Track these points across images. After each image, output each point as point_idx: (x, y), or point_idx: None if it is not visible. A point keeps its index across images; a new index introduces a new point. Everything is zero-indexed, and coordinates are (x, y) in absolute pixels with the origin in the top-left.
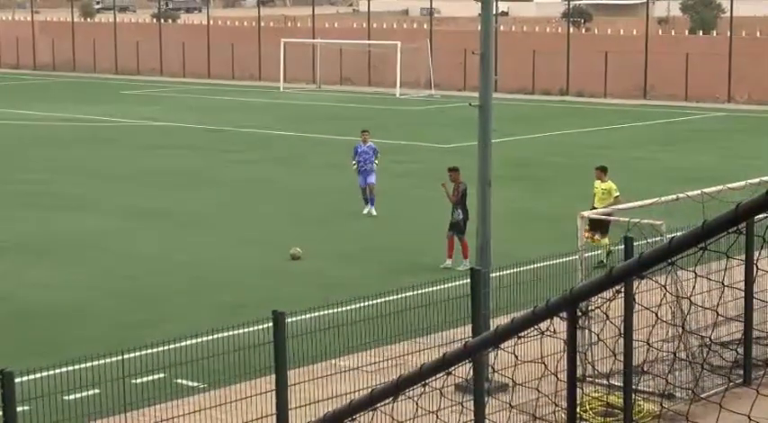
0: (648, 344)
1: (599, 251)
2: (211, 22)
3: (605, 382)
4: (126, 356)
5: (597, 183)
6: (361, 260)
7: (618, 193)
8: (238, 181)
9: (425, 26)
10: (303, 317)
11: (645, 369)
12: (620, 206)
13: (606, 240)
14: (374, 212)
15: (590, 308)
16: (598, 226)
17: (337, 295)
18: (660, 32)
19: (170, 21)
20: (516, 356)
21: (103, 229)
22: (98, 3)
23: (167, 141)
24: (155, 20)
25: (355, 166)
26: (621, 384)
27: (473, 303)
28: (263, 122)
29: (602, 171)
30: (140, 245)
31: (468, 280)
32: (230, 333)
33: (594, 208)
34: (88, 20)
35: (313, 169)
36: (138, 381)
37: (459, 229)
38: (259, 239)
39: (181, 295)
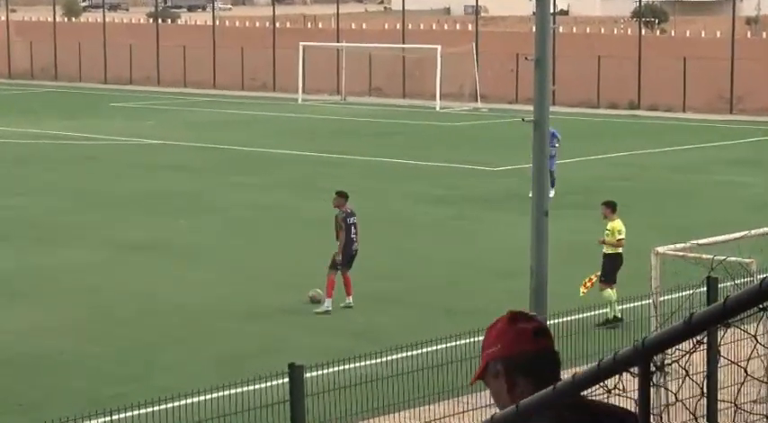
0: (736, 405)
1: (607, 309)
2: (217, 22)
3: None
4: (113, 417)
5: (605, 222)
6: (392, 302)
7: (623, 236)
8: (244, 208)
9: (470, 27)
10: (325, 371)
11: None
12: (702, 241)
13: (611, 291)
14: (552, 193)
15: (666, 362)
16: (609, 271)
17: (365, 345)
18: (749, 35)
19: (168, 21)
20: None
21: (87, 264)
22: (84, 0)
23: (163, 162)
24: (150, 20)
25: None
26: None
27: None
28: (277, 141)
29: (608, 207)
30: (129, 282)
31: None
32: (236, 390)
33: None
34: (72, 20)
35: (331, 193)
36: None
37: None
38: (270, 277)
39: (177, 343)
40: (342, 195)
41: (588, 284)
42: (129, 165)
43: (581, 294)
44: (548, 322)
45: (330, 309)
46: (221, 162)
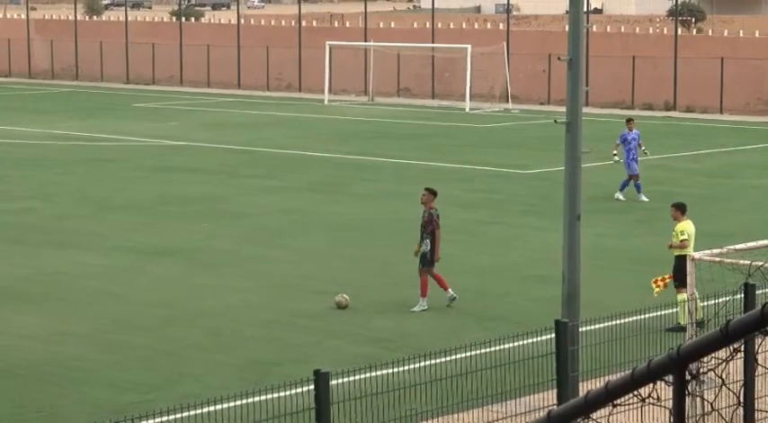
0: None
1: (677, 309)
2: (242, 20)
3: None
4: None
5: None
6: None
7: (685, 237)
8: (269, 212)
9: (501, 26)
10: (351, 378)
11: None
12: (739, 246)
13: (684, 296)
14: (645, 198)
15: (701, 370)
16: (680, 275)
17: (392, 352)
18: None
19: (192, 19)
20: None
21: (106, 271)
22: None
23: (186, 164)
24: (174, 18)
25: (617, 158)
26: None
27: (558, 363)
28: (303, 142)
29: (677, 209)
30: (150, 289)
31: (553, 335)
32: (261, 398)
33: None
34: (94, 18)
35: (360, 198)
36: None
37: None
38: (294, 283)
39: (199, 350)
40: (432, 192)
41: (660, 284)
42: (151, 167)
43: (654, 294)
44: (580, 329)
45: (426, 307)
46: (246, 164)
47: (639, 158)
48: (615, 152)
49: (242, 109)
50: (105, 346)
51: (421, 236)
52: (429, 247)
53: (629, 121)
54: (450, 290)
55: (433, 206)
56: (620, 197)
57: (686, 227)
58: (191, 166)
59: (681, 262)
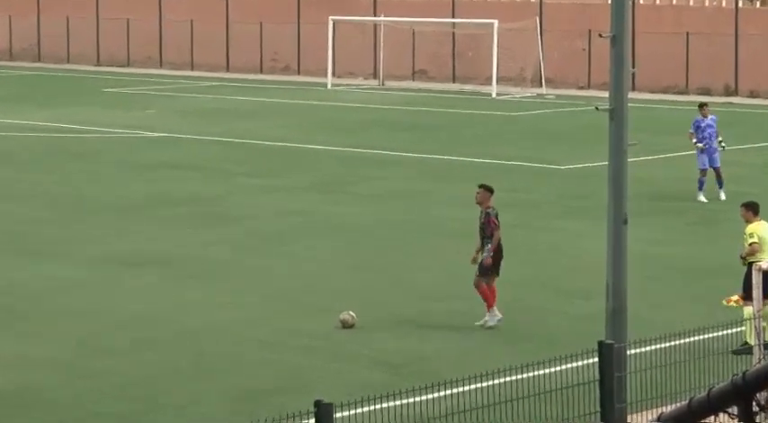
0: None
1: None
2: None
3: None
4: None
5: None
6: (439, 327)
7: (755, 240)
8: (264, 215)
9: None
10: (359, 410)
11: None
12: None
13: (750, 310)
14: (723, 196)
15: None
16: (747, 285)
17: (407, 379)
18: None
19: None
20: None
21: (75, 284)
22: None
23: (167, 159)
24: None
25: (701, 145)
26: None
27: (602, 392)
28: (303, 134)
29: (749, 209)
30: (126, 305)
31: (596, 359)
32: None
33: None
34: None
35: (370, 199)
36: None
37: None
38: (293, 298)
39: (183, 376)
40: (489, 190)
41: (734, 304)
42: (127, 163)
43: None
44: (627, 352)
45: (493, 322)
46: (237, 160)
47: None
48: (695, 140)
49: (232, 95)
50: (72, 373)
51: (482, 241)
52: (491, 254)
53: (703, 106)
54: (494, 309)
55: (491, 205)
56: (702, 199)
57: (757, 229)
58: (173, 161)
59: (751, 270)
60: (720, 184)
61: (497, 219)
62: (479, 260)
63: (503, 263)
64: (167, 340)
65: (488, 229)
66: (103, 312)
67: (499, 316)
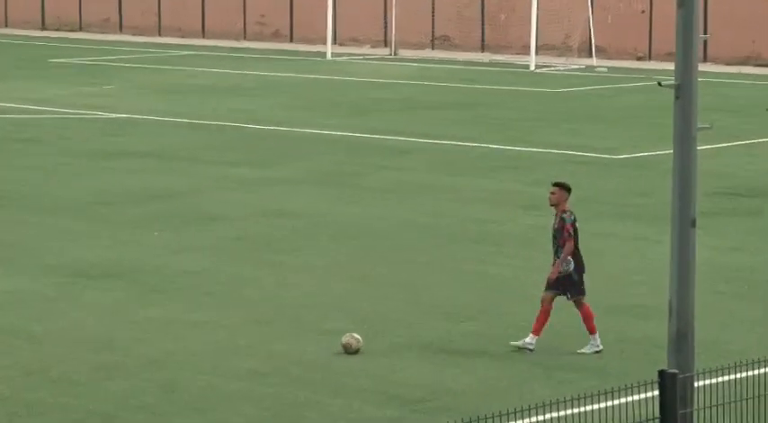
0: None
1: None
2: None
3: None
4: None
5: None
6: (464, 353)
7: None
8: (251, 214)
9: None
10: None
11: None
12: None
13: None
14: None
15: None
16: None
17: (424, 416)
18: None
19: None
20: None
21: (21, 299)
22: None
23: (132, 146)
24: None
25: None
26: None
27: None
28: (298, 115)
29: None
30: (82, 326)
31: (656, 392)
32: None
33: None
34: None
35: (381, 194)
36: None
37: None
38: (288, 316)
39: (150, 414)
40: (566, 189)
41: None
42: (82, 151)
43: None
44: (695, 384)
45: (600, 347)
46: (217, 147)
47: None
48: None
49: (209, 67)
50: (16, 408)
51: (555, 250)
52: (572, 267)
53: None
54: (596, 336)
55: (567, 208)
56: None
57: None
58: (139, 148)
59: None
60: None
61: (574, 225)
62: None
63: (586, 278)
64: (131, 369)
65: (562, 237)
66: (55, 333)
67: (598, 346)
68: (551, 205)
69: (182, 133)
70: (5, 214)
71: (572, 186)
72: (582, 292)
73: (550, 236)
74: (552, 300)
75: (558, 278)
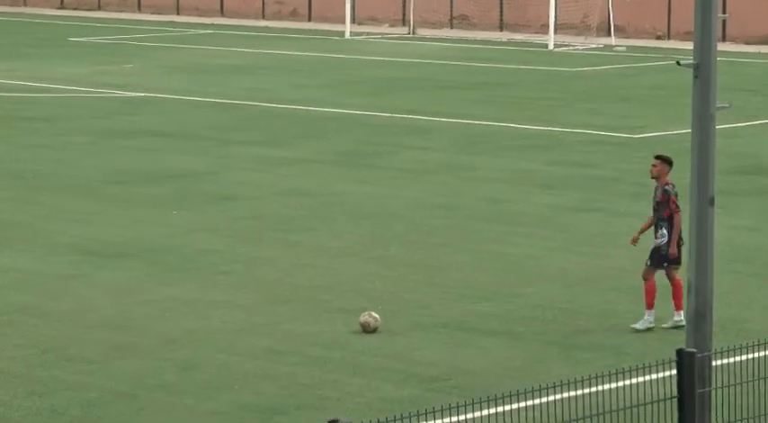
0: None
1: None
2: None
3: None
4: None
5: None
6: (481, 333)
7: None
8: (269, 194)
9: None
10: None
11: None
12: None
13: None
14: None
15: None
16: None
17: (441, 395)
18: None
19: None
20: None
21: (35, 278)
22: None
23: (149, 126)
24: None
25: None
26: None
27: (682, 412)
28: (317, 94)
29: None
30: (98, 305)
31: (674, 371)
32: None
33: None
34: None
35: (401, 174)
36: None
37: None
38: (304, 296)
39: (167, 393)
40: (667, 162)
41: None
42: (99, 130)
43: None
44: (713, 363)
45: (652, 324)
46: (235, 126)
47: None
48: None
49: (227, 46)
50: (32, 387)
51: (656, 223)
52: (666, 239)
53: None
54: (652, 312)
55: (669, 181)
56: None
57: None
58: (156, 128)
59: None
60: None
61: (677, 198)
62: (653, 245)
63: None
64: (148, 348)
65: (667, 209)
66: (70, 312)
67: (651, 322)
68: (652, 178)
69: (199, 112)
70: (20, 193)
71: (590, 166)
72: (678, 263)
73: (651, 207)
74: (654, 273)
75: (653, 250)
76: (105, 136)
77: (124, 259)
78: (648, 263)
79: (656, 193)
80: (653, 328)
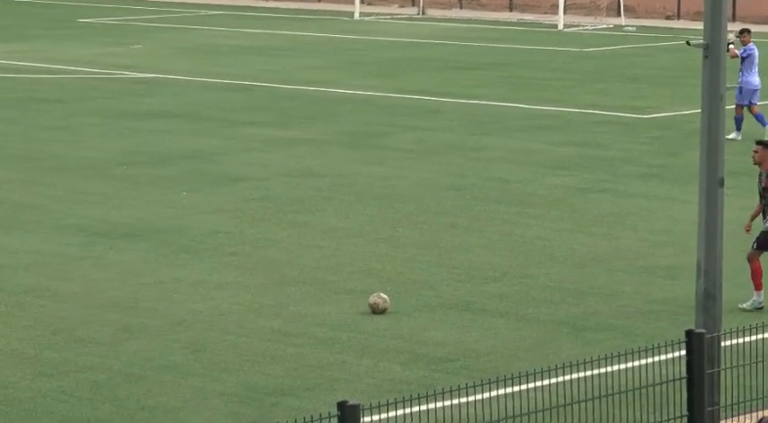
0: None
1: None
2: None
3: None
4: None
5: None
6: (490, 313)
7: None
8: (279, 175)
9: None
10: (390, 414)
11: None
12: None
13: None
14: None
15: None
16: None
17: (448, 376)
18: None
19: None
20: None
21: (44, 259)
22: None
23: (158, 107)
24: None
25: None
26: None
27: (691, 393)
28: (326, 75)
29: None
30: (107, 286)
31: (683, 352)
32: None
33: None
34: None
35: (410, 155)
36: None
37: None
38: (312, 278)
39: (175, 374)
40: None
41: None
42: (108, 111)
43: None
44: (722, 343)
45: (762, 305)
46: (244, 107)
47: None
48: None
49: (237, 27)
50: (41, 368)
51: (764, 208)
52: None
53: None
54: (761, 293)
55: None
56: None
57: None
58: (165, 109)
59: None
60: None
61: None
62: (763, 228)
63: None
64: (157, 329)
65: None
66: (80, 294)
67: (760, 300)
68: (755, 164)
69: (208, 93)
70: (30, 174)
71: (600, 146)
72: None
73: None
74: (758, 256)
75: (762, 233)
76: (114, 117)
77: (133, 240)
78: (755, 246)
79: (760, 179)
80: (762, 308)
